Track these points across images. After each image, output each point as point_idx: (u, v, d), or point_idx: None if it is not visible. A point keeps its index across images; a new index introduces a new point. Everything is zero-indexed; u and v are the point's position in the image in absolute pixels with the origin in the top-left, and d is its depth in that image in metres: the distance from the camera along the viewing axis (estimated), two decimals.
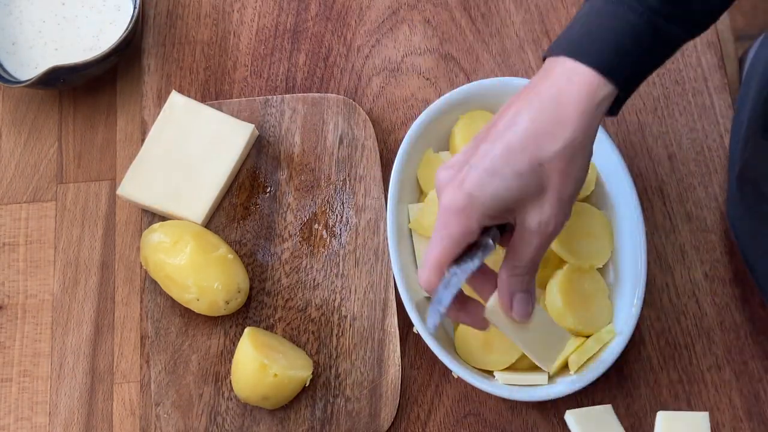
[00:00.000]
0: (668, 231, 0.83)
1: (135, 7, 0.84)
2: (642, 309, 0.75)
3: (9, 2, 0.87)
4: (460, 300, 0.65)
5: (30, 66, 0.85)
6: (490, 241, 0.61)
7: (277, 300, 0.80)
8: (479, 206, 0.59)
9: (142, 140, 0.84)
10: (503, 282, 0.63)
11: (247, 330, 0.75)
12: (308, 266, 0.81)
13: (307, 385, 0.76)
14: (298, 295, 0.80)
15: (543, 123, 0.59)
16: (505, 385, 0.73)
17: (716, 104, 0.86)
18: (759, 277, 0.78)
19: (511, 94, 0.79)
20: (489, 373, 0.75)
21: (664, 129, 0.86)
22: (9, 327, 0.81)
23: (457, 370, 0.72)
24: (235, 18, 0.90)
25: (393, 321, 0.79)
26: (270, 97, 0.85)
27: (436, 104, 0.79)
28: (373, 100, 0.87)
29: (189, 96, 0.84)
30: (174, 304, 0.79)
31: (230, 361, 0.78)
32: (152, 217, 0.82)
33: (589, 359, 0.74)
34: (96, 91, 0.88)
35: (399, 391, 0.77)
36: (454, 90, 0.80)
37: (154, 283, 0.79)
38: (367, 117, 0.84)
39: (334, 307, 0.80)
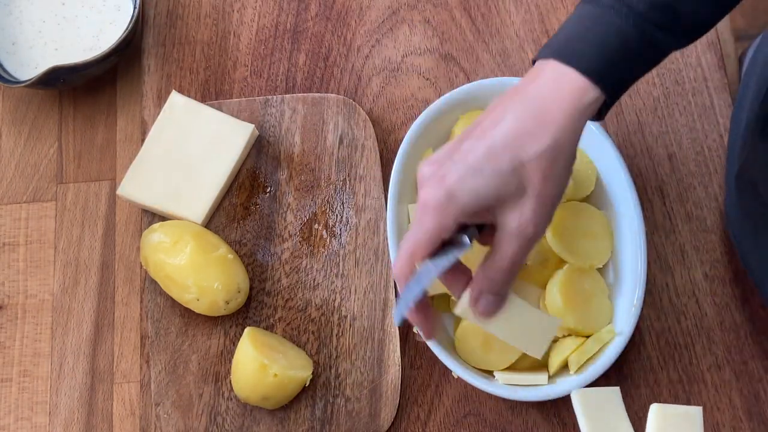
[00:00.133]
0: (668, 231, 0.83)
1: (135, 7, 0.84)
2: (642, 309, 0.75)
3: (9, 2, 0.87)
4: (423, 303, 0.65)
5: (30, 66, 0.85)
6: (467, 239, 0.62)
7: (277, 300, 0.80)
8: (457, 203, 0.59)
9: (142, 140, 0.84)
10: (477, 278, 0.63)
11: (247, 330, 0.75)
12: (308, 266, 0.81)
13: (307, 385, 0.76)
14: (298, 295, 0.80)
15: (527, 123, 0.59)
16: (505, 385, 0.73)
17: (716, 104, 0.86)
18: (757, 277, 0.78)
19: None
20: (489, 373, 0.75)
21: (664, 129, 0.86)
22: (9, 327, 0.81)
23: (457, 370, 0.72)
24: (235, 18, 0.90)
25: (393, 321, 0.79)
26: (270, 97, 0.85)
27: (436, 104, 0.79)
28: (373, 100, 0.87)
29: (189, 96, 0.84)
30: (174, 304, 0.79)
31: (230, 361, 0.78)
32: (152, 217, 0.82)
33: (589, 359, 0.74)
34: (96, 91, 0.88)
35: (399, 391, 0.77)
36: (454, 90, 0.80)
37: (154, 283, 0.79)
38: (367, 117, 0.84)
39: (334, 307, 0.80)
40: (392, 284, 0.79)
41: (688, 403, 0.78)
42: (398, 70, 0.88)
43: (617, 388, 0.72)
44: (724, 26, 0.89)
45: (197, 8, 0.90)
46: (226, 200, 0.83)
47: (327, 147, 0.84)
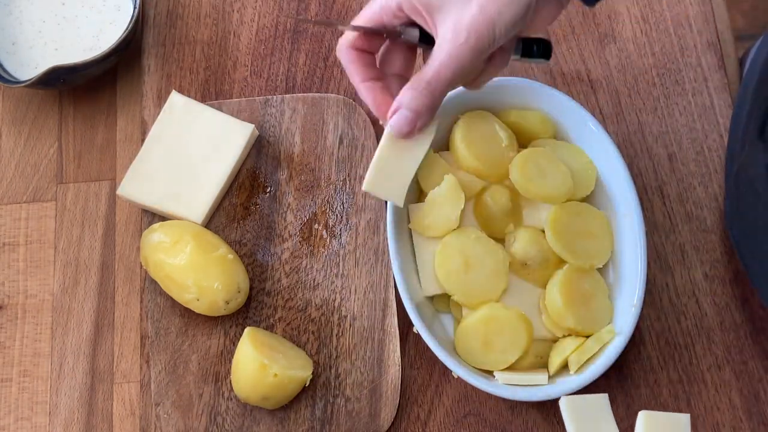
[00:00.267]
0: (668, 231, 0.83)
1: (135, 7, 0.84)
2: (642, 309, 0.75)
3: (9, 2, 0.87)
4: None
5: (30, 66, 0.85)
6: (415, 31, 0.64)
7: (277, 300, 0.80)
8: None
9: (142, 140, 0.84)
10: (402, 92, 0.64)
11: (247, 330, 0.75)
12: (308, 266, 0.81)
13: (307, 385, 0.76)
14: (298, 295, 0.80)
15: None
16: (505, 385, 0.73)
17: (716, 104, 0.86)
18: (755, 277, 0.78)
19: (511, 94, 0.80)
20: (489, 373, 0.75)
21: (664, 129, 0.86)
22: (9, 327, 0.81)
23: (457, 370, 0.72)
24: (235, 18, 0.90)
25: (393, 321, 0.79)
26: (270, 97, 0.85)
27: None
28: None
29: (189, 96, 0.84)
30: (174, 304, 0.79)
31: (230, 361, 0.78)
32: (152, 217, 0.82)
33: (589, 359, 0.74)
34: (96, 91, 0.88)
35: (399, 391, 0.77)
36: (454, 90, 0.80)
37: (154, 283, 0.79)
38: (367, 117, 0.84)
39: (334, 307, 0.80)
40: (392, 284, 0.79)
41: (687, 402, 0.78)
42: None
43: (605, 395, 0.72)
44: (724, 26, 0.89)
45: (197, 8, 0.90)
46: (226, 200, 0.83)
47: (327, 147, 0.84)
